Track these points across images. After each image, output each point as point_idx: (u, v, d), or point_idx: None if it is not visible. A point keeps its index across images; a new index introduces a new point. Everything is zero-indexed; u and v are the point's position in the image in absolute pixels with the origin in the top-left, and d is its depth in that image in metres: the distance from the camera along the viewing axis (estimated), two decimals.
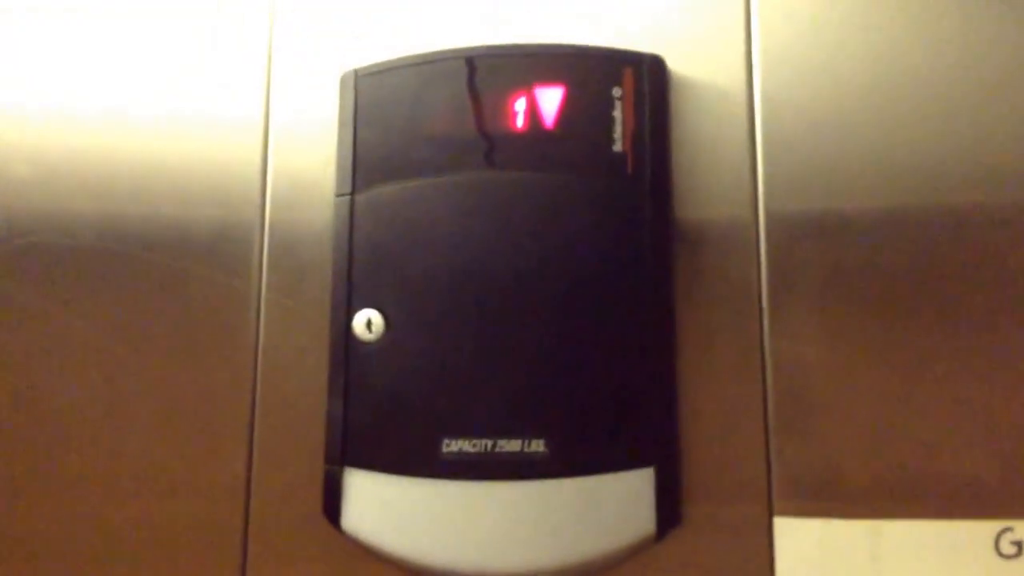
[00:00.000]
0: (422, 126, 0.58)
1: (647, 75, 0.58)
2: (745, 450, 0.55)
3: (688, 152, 0.59)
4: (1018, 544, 0.52)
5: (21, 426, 0.59)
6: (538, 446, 0.54)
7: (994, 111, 0.57)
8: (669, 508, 0.54)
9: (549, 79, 0.58)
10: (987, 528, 0.52)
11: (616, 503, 0.53)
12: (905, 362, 0.55)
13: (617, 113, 0.57)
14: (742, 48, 0.59)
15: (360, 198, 0.58)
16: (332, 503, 0.55)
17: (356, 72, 0.60)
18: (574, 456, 0.54)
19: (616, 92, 0.57)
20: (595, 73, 0.58)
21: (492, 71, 0.58)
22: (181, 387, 0.58)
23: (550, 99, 0.58)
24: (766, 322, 0.56)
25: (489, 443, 0.54)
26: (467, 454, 0.54)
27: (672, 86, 0.59)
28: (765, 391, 0.56)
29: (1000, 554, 0.52)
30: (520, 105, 0.58)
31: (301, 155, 0.61)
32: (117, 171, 0.62)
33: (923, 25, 0.59)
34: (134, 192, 0.61)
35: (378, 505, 0.55)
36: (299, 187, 0.61)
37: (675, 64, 0.59)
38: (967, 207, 0.56)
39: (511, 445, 0.54)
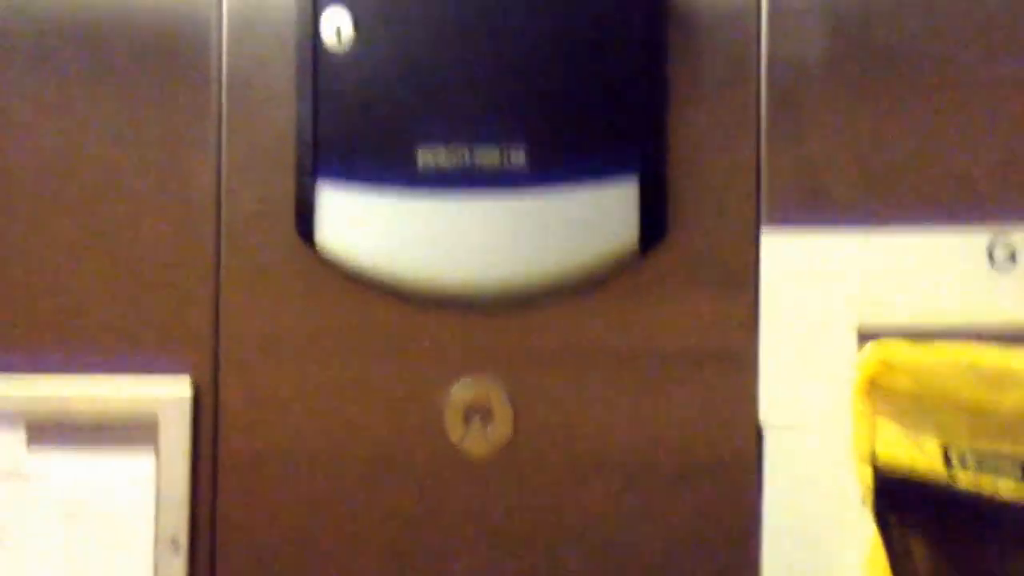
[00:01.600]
0: None
1: None
2: (734, 159, 0.53)
3: None
4: (1012, 251, 0.51)
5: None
6: (517, 155, 0.51)
7: None
8: (653, 220, 0.52)
9: None
10: (979, 236, 0.51)
11: (598, 214, 0.52)
12: (892, 83, 0.52)
13: None
14: None
15: None
16: (305, 219, 0.53)
17: None
18: (554, 164, 0.51)
19: None
20: None
21: None
22: (144, 105, 0.56)
23: None
24: (764, 28, 0.53)
25: (466, 151, 0.51)
26: (443, 164, 0.52)
27: None
28: (759, 100, 0.53)
29: (993, 261, 0.51)
30: None
31: None
32: None
33: None
34: None
35: (352, 220, 0.53)
36: None
37: None
38: None
39: (490, 155, 0.51)
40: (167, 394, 0.54)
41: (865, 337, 0.51)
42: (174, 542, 0.53)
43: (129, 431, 0.54)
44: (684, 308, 0.53)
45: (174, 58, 0.56)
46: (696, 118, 0.53)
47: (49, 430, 0.55)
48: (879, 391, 0.50)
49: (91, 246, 0.56)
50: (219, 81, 0.55)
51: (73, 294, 0.56)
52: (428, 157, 0.52)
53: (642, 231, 0.52)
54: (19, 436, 0.55)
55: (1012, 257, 0.51)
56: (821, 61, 0.53)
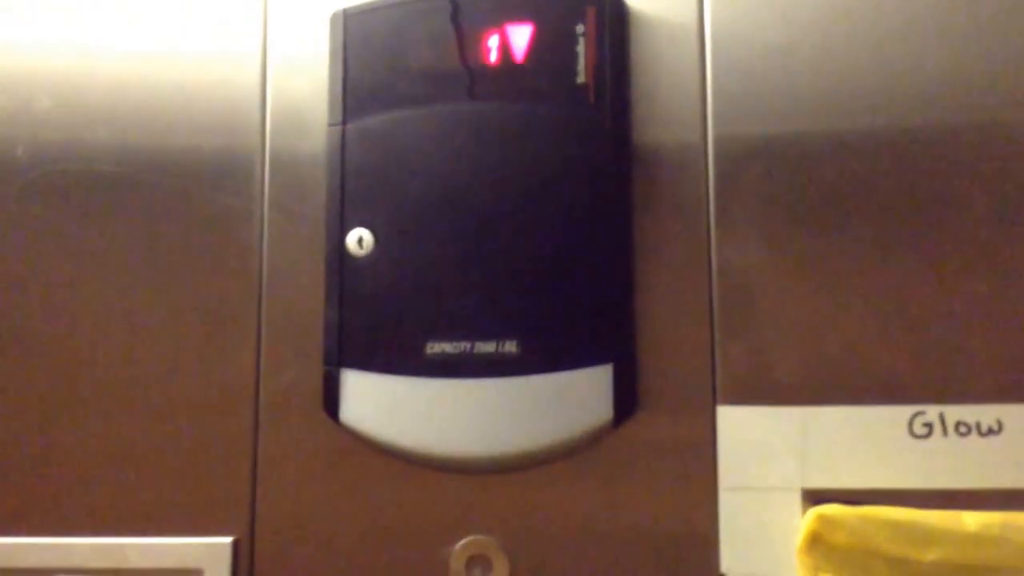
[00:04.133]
0: (405, 61, 0.65)
1: (608, 13, 0.64)
2: (693, 347, 0.62)
3: (645, 82, 0.65)
4: (929, 425, 0.60)
5: (46, 337, 0.66)
6: (511, 346, 0.61)
7: (926, 41, 0.63)
8: (625, 399, 0.61)
9: (519, 17, 0.64)
10: (901, 412, 0.60)
11: (578, 395, 0.61)
12: (834, 272, 0.62)
13: (580, 48, 0.63)
14: None
15: (350, 127, 0.65)
16: (331, 400, 0.63)
17: (344, 11, 0.66)
18: (542, 354, 0.61)
19: (580, 29, 0.63)
20: (561, 11, 0.64)
21: (467, 9, 0.64)
22: (192, 300, 0.66)
23: (520, 35, 0.64)
24: (713, 233, 0.63)
25: (468, 344, 0.61)
26: (448, 354, 0.61)
27: (631, 22, 0.65)
28: (711, 294, 0.63)
29: (913, 435, 0.60)
30: (493, 41, 0.64)
31: (298, 87, 0.68)
32: (131, 103, 0.68)
33: None
34: (146, 122, 0.68)
35: (371, 401, 0.62)
36: (297, 117, 0.67)
37: (634, 2, 0.65)
38: (897, 132, 0.63)
39: (487, 346, 0.61)
40: (211, 550, 0.63)
41: (809, 499, 0.60)
42: None
43: None
44: (651, 476, 0.62)
45: (223, 258, 0.66)
46: (660, 310, 0.63)
47: None
48: (820, 547, 0.58)
49: (139, 427, 0.65)
50: (259, 279, 0.65)
51: (129, 464, 0.65)
52: (435, 348, 0.62)
53: (615, 408, 0.61)
54: None
55: (929, 431, 0.60)
56: (766, 262, 0.63)
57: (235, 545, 0.63)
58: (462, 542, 0.62)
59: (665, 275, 0.63)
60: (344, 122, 0.65)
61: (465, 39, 0.64)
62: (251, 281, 0.65)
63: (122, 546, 0.63)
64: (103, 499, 0.64)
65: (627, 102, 0.64)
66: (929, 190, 0.62)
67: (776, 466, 0.61)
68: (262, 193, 0.66)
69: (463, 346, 0.61)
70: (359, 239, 0.63)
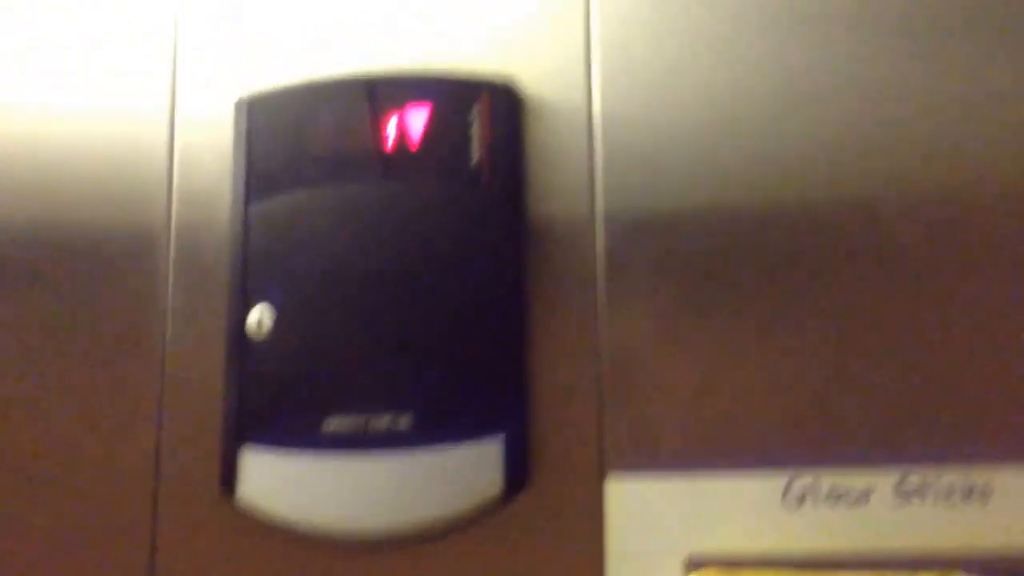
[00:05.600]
0: (306, 144, 0.67)
1: (501, 98, 0.67)
2: (582, 418, 0.65)
3: (538, 162, 0.68)
4: (804, 490, 0.63)
5: None
6: (405, 420, 0.63)
7: (799, 122, 0.67)
8: (516, 472, 0.64)
9: (415, 101, 0.67)
10: (777, 478, 0.63)
11: (471, 468, 0.63)
12: (716, 342, 0.65)
13: (474, 131, 0.66)
14: (583, 70, 0.69)
15: (253, 209, 0.67)
16: (229, 478, 0.64)
17: (249, 98, 0.69)
18: (435, 428, 0.63)
19: (474, 113, 0.67)
20: (456, 97, 0.67)
21: (366, 95, 0.67)
22: (95, 381, 0.67)
23: (417, 120, 0.67)
24: (601, 309, 0.66)
25: (363, 419, 0.63)
26: (345, 430, 0.63)
27: (524, 105, 0.68)
28: (600, 370, 0.66)
29: (787, 500, 0.63)
30: (391, 125, 0.67)
31: (204, 169, 0.70)
32: (35, 184, 0.70)
33: (744, 43, 0.68)
34: (52, 203, 0.70)
35: (269, 477, 0.64)
36: (202, 198, 0.70)
37: (526, 86, 0.68)
38: (771, 207, 0.66)
39: (382, 420, 0.63)
40: None
41: (691, 564, 0.63)
42: None
43: None
44: (542, 545, 0.64)
45: (127, 340, 0.68)
46: (551, 382, 0.65)
47: None
48: None
49: (38, 505, 0.66)
50: (162, 359, 0.67)
51: (29, 543, 0.66)
52: (331, 424, 0.64)
53: (507, 480, 0.63)
54: None
55: (804, 496, 0.63)
56: (651, 335, 0.66)
57: None
58: None
59: (556, 348, 0.66)
60: (247, 204, 0.67)
61: (364, 123, 0.67)
62: (154, 361, 0.67)
63: None
64: None
65: (520, 182, 0.67)
66: (801, 264, 0.65)
67: (661, 533, 0.63)
68: (167, 274, 0.68)
69: (359, 421, 0.63)
70: (259, 318, 0.65)
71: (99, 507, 0.66)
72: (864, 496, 0.62)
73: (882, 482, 0.62)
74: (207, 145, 0.70)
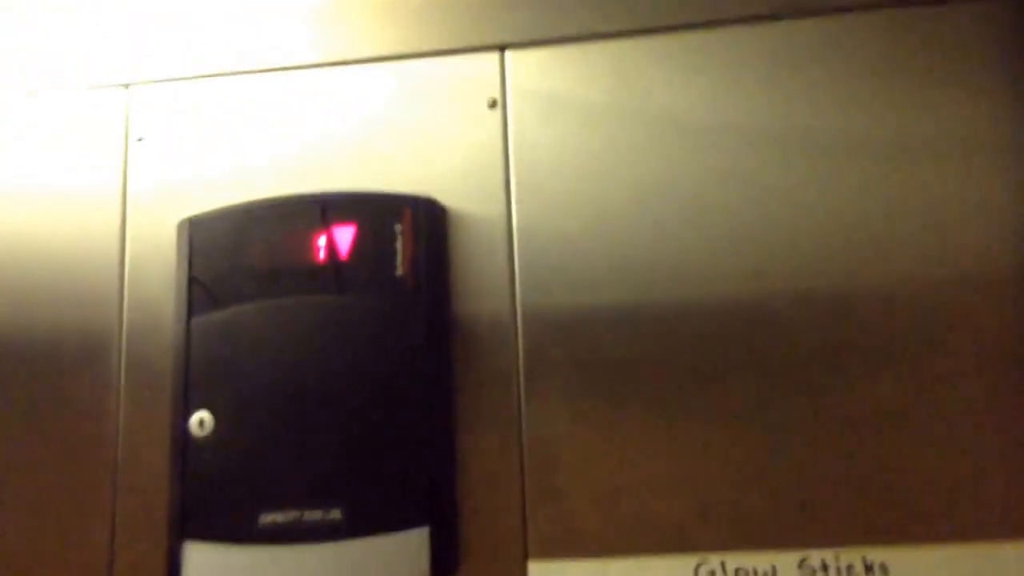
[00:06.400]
0: (243, 261, 0.73)
1: (423, 212, 0.73)
2: (506, 509, 0.70)
3: (460, 267, 0.74)
4: (712, 572, 0.67)
5: None
6: (336, 513, 0.68)
7: (700, 226, 0.73)
8: (443, 560, 0.68)
9: (344, 219, 0.73)
10: (687, 561, 0.67)
11: (398, 556, 0.67)
12: (629, 436, 0.70)
13: (399, 244, 0.72)
14: (501, 186, 0.75)
15: (195, 322, 0.72)
16: (174, 571, 0.69)
17: (190, 220, 0.75)
18: (364, 519, 0.68)
19: (398, 228, 0.73)
20: (381, 213, 0.73)
21: (297, 214, 0.73)
22: (49, 481, 0.72)
23: (344, 236, 0.73)
24: (523, 404, 0.71)
25: (297, 513, 0.68)
26: (279, 523, 0.68)
27: (447, 219, 0.74)
28: (522, 461, 0.70)
29: None
30: (321, 241, 0.73)
31: (152, 285, 0.76)
32: None
33: (654, 150, 0.74)
34: (8, 313, 0.76)
35: (210, 570, 0.68)
36: (150, 312, 0.76)
37: (449, 202, 0.75)
38: (677, 305, 0.72)
39: (314, 514, 0.68)
40: None
41: None
42: None
43: None
44: None
45: (80, 444, 0.73)
46: (476, 475, 0.70)
47: None
48: None
49: None
50: (114, 462, 0.72)
51: None
52: (268, 518, 0.68)
53: (433, 568, 0.67)
54: None
55: None
56: (569, 430, 0.71)
57: None
58: None
59: (481, 443, 0.71)
60: (189, 317, 0.72)
61: (295, 240, 0.73)
62: (107, 464, 0.72)
63: None
64: None
65: (443, 287, 0.73)
66: (706, 359, 0.70)
67: None
68: (118, 383, 0.74)
69: (293, 515, 0.68)
70: (200, 421, 0.70)
71: None
72: (771, 574, 0.66)
73: (785, 561, 0.66)
74: (156, 258, 0.76)
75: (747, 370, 0.70)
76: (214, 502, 0.69)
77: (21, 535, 0.71)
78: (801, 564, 0.66)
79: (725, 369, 0.70)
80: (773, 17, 0.74)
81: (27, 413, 0.73)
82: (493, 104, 0.76)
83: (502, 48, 0.76)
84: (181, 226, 0.75)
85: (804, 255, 0.71)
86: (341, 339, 0.71)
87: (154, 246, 0.76)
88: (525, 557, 0.69)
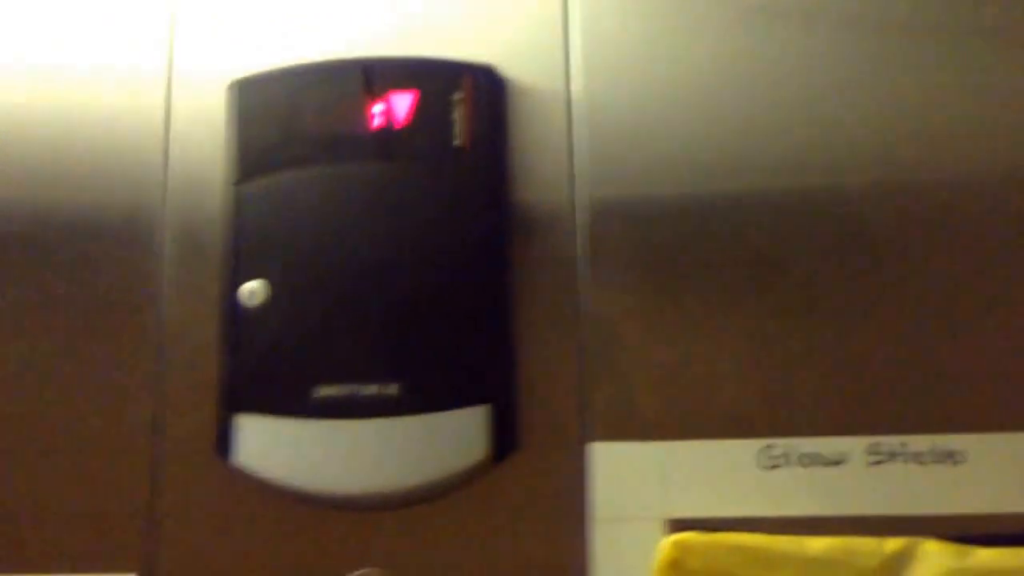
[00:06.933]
0: (296, 125, 0.70)
1: (483, 81, 0.70)
2: (566, 388, 0.67)
3: (518, 144, 0.70)
4: (777, 457, 0.65)
5: None
6: (392, 388, 0.66)
7: (779, 111, 0.69)
8: (502, 438, 0.66)
9: (400, 85, 0.69)
10: (752, 445, 0.65)
11: (456, 435, 0.65)
12: (694, 321, 0.67)
13: (457, 113, 0.69)
14: (561, 55, 0.71)
15: (245, 187, 0.69)
16: (224, 443, 0.67)
17: (241, 80, 0.71)
18: (422, 395, 0.66)
19: (456, 96, 0.69)
20: (439, 80, 0.69)
21: (352, 79, 0.70)
22: (94, 352, 0.70)
23: (401, 102, 0.69)
24: (582, 284, 0.69)
25: (352, 387, 0.66)
26: (334, 397, 0.66)
27: (506, 90, 0.71)
28: (582, 341, 0.68)
29: (763, 466, 0.65)
30: (377, 107, 0.69)
31: (199, 148, 0.72)
32: (32, 162, 0.72)
33: (725, 31, 0.71)
34: (50, 180, 0.72)
35: (263, 443, 0.66)
36: (197, 177, 0.72)
37: (507, 71, 0.71)
38: (743, 193, 0.69)
39: (370, 388, 0.66)
40: None
41: (671, 528, 0.65)
42: None
43: None
44: (527, 509, 0.66)
45: (125, 313, 0.70)
46: (535, 354, 0.68)
47: None
48: (677, 572, 0.63)
49: (52, 467, 0.69)
50: (160, 331, 0.70)
51: (33, 505, 0.68)
52: (322, 391, 0.66)
53: (493, 447, 0.66)
54: None
55: (777, 462, 0.65)
56: (630, 310, 0.68)
57: None
58: (351, 572, 0.66)
59: (540, 321, 0.68)
60: (239, 182, 0.69)
61: (352, 105, 0.69)
62: (153, 335, 0.70)
63: None
64: (9, 540, 0.68)
65: (502, 162, 0.69)
66: (776, 245, 0.68)
67: (642, 498, 0.66)
68: (163, 249, 0.71)
69: (348, 389, 0.66)
70: (251, 291, 0.67)
71: (99, 473, 0.68)
72: (837, 461, 0.65)
73: (854, 446, 0.65)
74: (202, 126, 0.72)
75: (816, 258, 0.67)
76: (266, 375, 0.67)
77: (65, 408, 0.69)
78: (870, 450, 0.65)
79: (793, 257, 0.68)
80: None
81: (70, 284, 0.71)
82: None
83: None
84: (232, 87, 0.71)
85: (881, 145, 0.68)
86: (396, 209, 0.68)
87: (201, 111, 0.73)
88: (585, 439, 0.67)
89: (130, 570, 0.67)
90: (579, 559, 0.65)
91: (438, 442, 0.65)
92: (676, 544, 0.63)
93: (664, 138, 0.70)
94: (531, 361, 0.68)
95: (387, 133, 0.69)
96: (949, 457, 0.64)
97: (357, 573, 0.66)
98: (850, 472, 0.65)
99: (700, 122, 0.70)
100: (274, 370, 0.67)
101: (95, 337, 0.70)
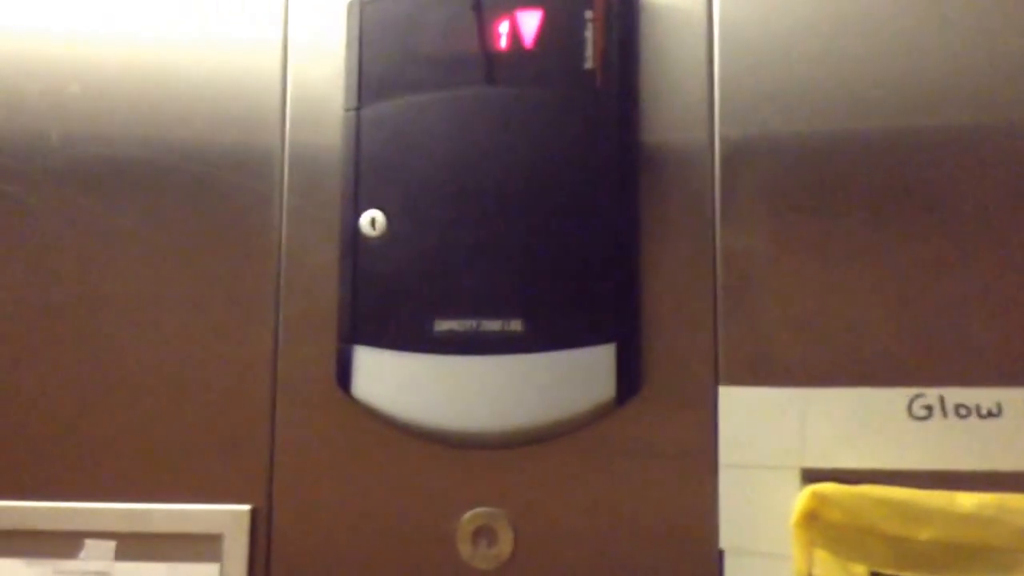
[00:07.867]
0: (417, 48, 0.67)
1: (615, 0, 0.65)
2: (696, 328, 0.64)
3: (653, 70, 0.66)
4: (928, 408, 0.61)
5: (75, 313, 0.70)
6: (516, 325, 0.63)
7: (925, 43, 0.63)
8: (628, 378, 0.63)
9: (529, 3, 0.65)
10: (901, 394, 0.61)
11: (582, 373, 0.63)
12: (833, 258, 0.63)
13: (588, 34, 0.65)
14: None
15: (365, 112, 0.67)
16: (344, 375, 0.65)
17: (360, 1, 0.68)
18: (547, 333, 0.63)
19: (588, 15, 0.65)
20: None
21: None
22: (213, 280, 0.69)
23: (529, 21, 0.65)
24: (717, 220, 0.64)
25: (474, 322, 0.63)
26: (455, 332, 0.63)
27: (640, 10, 0.66)
28: (715, 280, 0.64)
29: (912, 416, 0.61)
30: (503, 27, 0.65)
31: (317, 74, 0.70)
32: (155, 90, 0.71)
33: None
34: (170, 109, 0.71)
35: (382, 376, 0.64)
36: (315, 103, 0.70)
37: None
38: (896, 129, 0.63)
39: (493, 324, 0.63)
40: (231, 517, 0.66)
41: (807, 478, 0.61)
42: None
43: (199, 547, 0.66)
44: (655, 451, 0.63)
45: (242, 241, 0.69)
46: (664, 292, 0.64)
47: (134, 546, 0.67)
48: (815, 524, 0.59)
49: (172, 397, 0.68)
50: (278, 261, 0.68)
51: (155, 434, 0.68)
52: (443, 326, 0.64)
53: (618, 386, 0.63)
54: (110, 550, 0.67)
55: (928, 413, 0.61)
56: (768, 249, 0.64)
57: (253, 513, 0.66)
58: (468, 514, 0.64)
59: (670, 259, 0.64)
60: (359, 108, 0.67)
61: (476, 25, 0.66)
62: (270, 263, 0.68)
63: (148, 511, 0.67)
64: (130, 467, 0.68)
65: (634, 87, 0.65)
66: (928, 183, 0.62)
67: (776, 445, 0.62)
68: (281, 178, 0.69)
69: (470, 324, 0.63)
70: (372, 220, 0.65)
71: (219, 404, 0.68)
72: (994, 413, 0.60)
73: (1013, 398, 0.60)
74: (320, 51, 0.70)
75: (971, 195, 0.62)
76: (386, 306, 0.65)
77: (183, 334, 0.68)
78: None
79: (954, 196, 0.62)
80: None
81: (190, 214, 0.69)
82: None
83: None
84: (351, 8, 0.69)
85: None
86: (523, 136, 0.64)
87: (319, 34, 0.70)
88: (715, 382, 0.63)
89: (248, 501, 0.66)
90: (706, 505, 0.62)
91: (562, 381, 0.63)
92: (815, 495, 0.59)
93: (812, 69, 0.64)
94: (660, 300, 0.64)
95: (514, 54, 0.65)
96: None
97: (471, 513, 0.64)
98: (1007, 425, 0.60)
99: (845, 54, 0.64)
100: (394, 302, 0.65)
101: (213, 266, 0.69)
